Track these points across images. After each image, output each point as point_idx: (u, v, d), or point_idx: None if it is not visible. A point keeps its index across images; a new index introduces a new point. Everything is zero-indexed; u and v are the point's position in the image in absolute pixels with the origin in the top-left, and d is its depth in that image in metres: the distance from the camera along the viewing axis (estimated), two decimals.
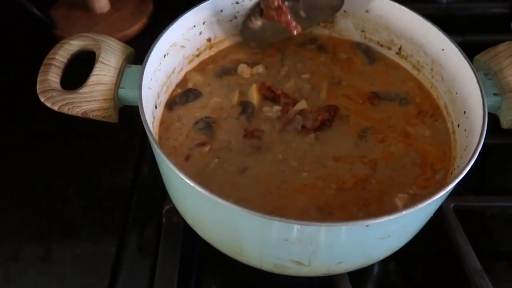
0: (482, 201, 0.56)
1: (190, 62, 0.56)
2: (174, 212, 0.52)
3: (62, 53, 0.46)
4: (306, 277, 0.51)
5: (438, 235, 0.53)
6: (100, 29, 0.75)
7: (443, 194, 0.37)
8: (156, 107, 0.50)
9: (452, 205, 0.53)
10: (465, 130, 0.46)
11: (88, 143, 0.63)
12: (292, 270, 0.43)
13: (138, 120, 0.66)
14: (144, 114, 0.41)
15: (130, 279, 0.51)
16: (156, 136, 0.48)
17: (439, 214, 0.51)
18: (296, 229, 0.36)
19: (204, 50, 0.57)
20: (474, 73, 0.46)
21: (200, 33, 0.55)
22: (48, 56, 0.45)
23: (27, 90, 0.68)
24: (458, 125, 0.49)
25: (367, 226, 0.35)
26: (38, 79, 0.44)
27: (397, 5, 0.53)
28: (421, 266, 0.54)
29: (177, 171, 0.37)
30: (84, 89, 0.44)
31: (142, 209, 0.57)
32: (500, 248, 0.56)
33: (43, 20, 0.74)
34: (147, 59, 0.46)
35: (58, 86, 0.44)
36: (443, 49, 0.51)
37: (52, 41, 0.75)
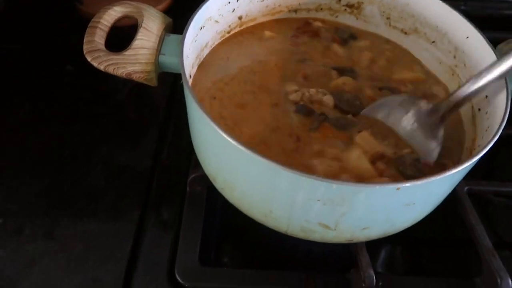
0: (495, 186, 0.58)
1: (221, 38, 0.58)
2: (199, 181, 0.54)
3: (107, 18, 0.48)
4: (324, 252, 0.54)
5: (449, 220, 0.56)
6: None
7: (468, 165, 0.40)
8: (190, 76, 0.52)
9: (466, 188, 0.56)
10: (486, 113, 0.49)
11: (112, 117, 0.65)
12: (318, 234, 0.45)
13: (160, 97, 0.70)
14: (185, 76, 0.43)
15: (154, 244, 0.52)
16: None
17: (453, 197, 0.54)
18: (330, 188, 0.38)
19: (234, 28, 0.60)
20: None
21: (234, 10, 0.57)
22: (94, 19, 0.47)
23: (53, 63, 0.71)
24: (479, 109, 0.51)
25: (397, 189, 0.37)
26: (85, 39, 0.46)
27: None
28: (432, 249, 0.57)
29: (216, 128, 0.39)
30: (129, 52, 0.46)
31: (166, 178, 0.58)
32: (505, 237, 0.58)
33: None
34: (188, 29, 0.48)
35: (103, 47, 0.46)
36: (467, 37, 0.53)
37: (77, 16, 0.78)
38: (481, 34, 0.51)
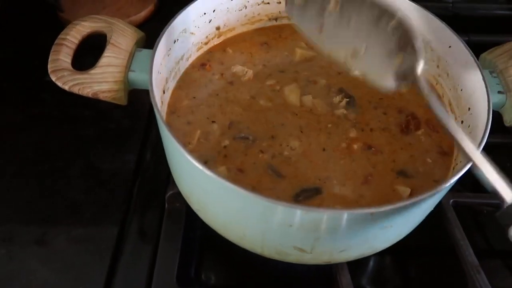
0: (481, 198, 0.56)
1: (198, 49, 0.57)
2: (177, 197, 0.53)
3: (74, 34, 0.46)
4: (306, 268, 0.52)
5: (436, 230, 0.54)
6: (107, 14, 0.74)
7: (446, 187, 0.38)
8: (164, 92, 0.50)
9: (451, 200, 0.54)
10: (468, 126, 0.47)
11: (93, 127, 0.63)
12: (294, 257, 0.43)
13: (142, 106, 0.68)
14: (154, 96, 0.41)
15: (131, 262, 0.51)
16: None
17: (438, 209, 0.52)
18: (301, 215, 0.36)
19: (212, 38, 0.58)
20: (480, 70, 0.46)
21: (210, 21, 0.56)
22: (60, 36, 0.46)
23: (32, 72, 0.69)
24: (462, 122, 0.49)
25: (371, 214, 0.36)
26: (50, 58, 0.44)
27: (407, 1, 0.54)
28: (419, 260, 0.56)
29: (185, 153, 0.37)
30: (95, 70, 0.44)
31: (145, 193, 0.57)
32: (495, 245, 0.57)
33: (51, 2, 0.74)
34: (158, 44, 0.46)
35: (69, 66, 0.44)
36: (450, 46, 0.51)
37: (58, 24, 0.76)
38: (463, 43, 0.49)
